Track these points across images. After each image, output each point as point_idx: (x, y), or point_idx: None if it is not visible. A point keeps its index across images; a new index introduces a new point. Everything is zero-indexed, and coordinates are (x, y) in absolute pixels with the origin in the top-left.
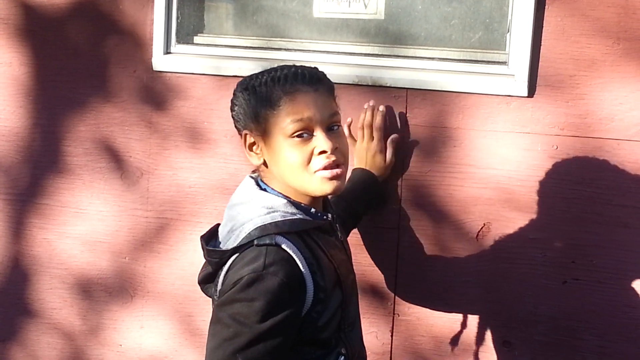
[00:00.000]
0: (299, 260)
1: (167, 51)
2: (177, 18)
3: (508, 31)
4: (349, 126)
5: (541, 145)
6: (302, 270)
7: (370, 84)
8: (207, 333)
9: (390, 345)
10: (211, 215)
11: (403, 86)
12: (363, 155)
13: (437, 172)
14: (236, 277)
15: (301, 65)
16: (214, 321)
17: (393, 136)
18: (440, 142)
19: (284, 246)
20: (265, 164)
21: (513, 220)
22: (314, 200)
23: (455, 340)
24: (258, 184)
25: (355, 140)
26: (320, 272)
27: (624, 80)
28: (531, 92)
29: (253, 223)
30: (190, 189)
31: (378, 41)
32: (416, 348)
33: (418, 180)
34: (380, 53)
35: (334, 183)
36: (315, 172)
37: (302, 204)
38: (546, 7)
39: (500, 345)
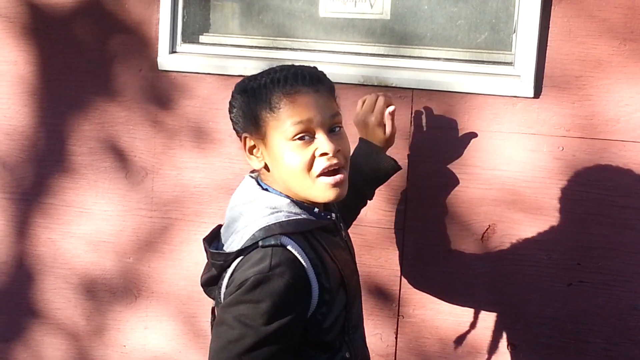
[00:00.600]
0: (304, 262)
1: (173, 50)
2: (183, 17)
3: (514, 32)
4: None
5: (547, 147)
6: (307, 271)
7: (376, 84)
8: (211, 334)
9: (394, 347)
10: (216, 215)
11: (409, 86)
12: (362, 128)
13: (443, 173)
14: (242, 278)
15: (300, 66)
16: (219, 323)
17: (390, 109)
18: (446, 142)
19: (289, 247)
20: (266, 167)
21: (518, 221)
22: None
23: (460, 342)
24: (259, 184)
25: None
26: (325, 273)
27: (630, 81)
28: (537, 93)
29: (257, 224)
30: (195, 188)
31: (384, 41)
32: (421, 350)
33: (423, 181)
34: (386, 53)
35: (337, 190)
36: (317, 176)
37: (306, 204)
38: (552, 7)
39: (505, 348)
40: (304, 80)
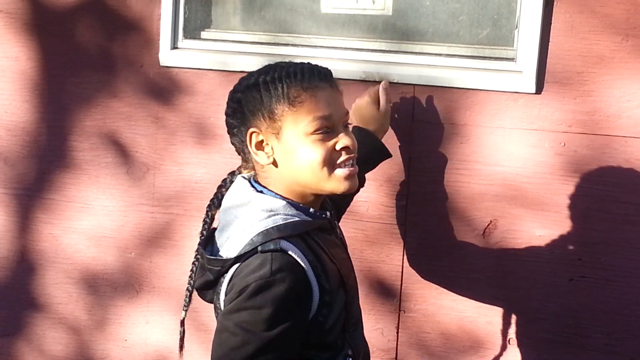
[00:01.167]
0: (304, 265)
1: (174, 46)
2: (184, 13)
3: (516, 27)
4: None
5: (549, 142)
6: (308, 274)
7: (377, 80)
8: (212, 328)
9: (396, 342)
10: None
11: (410, 82)
12: (357, 111)
13: (444, 169)
14: (242, 285)
15: (307, 62)
16: (220, 330)
17: (383, 83)
18: (447, 138)
19: (289, 252)
20: (274, 162)
21: (520, 217)
22: (314, 199)
23: (461, 337)
24: (253, 185)
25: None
26: (324, 275)
27: (632, 77)
28: (539, 88)
29: (254, 228)
30: (197, 184)
31: (386, 37)
32: (422, 345)
33: (425, 176)
34: (387, 49)
35: (352, 181)
36: (335, 169)
37: (301, 204)
38: (555, 3)
39: (506, 343)
40: (320, 76)
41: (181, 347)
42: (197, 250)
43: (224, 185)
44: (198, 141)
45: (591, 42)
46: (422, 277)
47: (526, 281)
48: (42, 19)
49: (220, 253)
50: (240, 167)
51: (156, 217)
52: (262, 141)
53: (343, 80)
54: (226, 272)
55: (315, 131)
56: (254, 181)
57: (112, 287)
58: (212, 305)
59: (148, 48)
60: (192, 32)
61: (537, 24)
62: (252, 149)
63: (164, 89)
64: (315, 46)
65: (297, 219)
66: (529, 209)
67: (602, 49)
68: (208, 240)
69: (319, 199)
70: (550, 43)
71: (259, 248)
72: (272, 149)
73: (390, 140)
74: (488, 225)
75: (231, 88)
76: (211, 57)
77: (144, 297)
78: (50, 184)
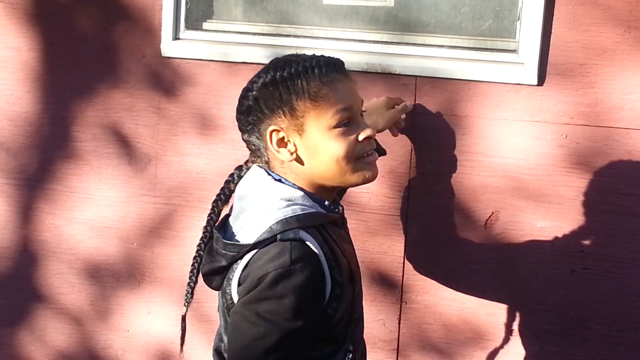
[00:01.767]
0: (320, 256)
1: (176, 37)
2: (186, 4)
3: (518, 19)
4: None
5: (550, 134)
6: (323, 265)
7: (379, 71)
8: (214, 319)
9: (397, 333)
10: None
11: (412, 74)
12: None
13: (446, 160)
14: (260, 273)
15: (320, 55)
16: (239, 320)
17: (408, 103)
18: (449, 130)
19: (307, 242)
20: (298, 159)
21: (521, 208)
22: (327, 192)
23: (463, 328)
24: (270, 175)
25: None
26: (337, 268)
27: (634, 69)
28: (541, 80)
29: (273, 216)
30: (199, 175)
31: (387, 28)
32: (424, 336)
33: (426, 168)
34: (389, 40)
35: (375, 170)
36: (359, 159)
37: (317, 197)
38: None
39: (508, 334)
40: (336, 68)
41: (182, 343)
42: (199, 244)
43: (232, 181)
44: (200, 132)
45: (593, 34)
46: (423, 268)
47: (528, 273)
48: (44, 9)
49: (237, 238)
50: (247, 161)
51: (158, 207)
52: (283, 138)
53: None
54: (241, 258)
55: (338, 124)
56: (270, 171)
57: (114, 277)
58: (215, 293)
59: (150, 39)
60: (193, 23)
61: (539, 16)
62: (273, 146)
63: (166, 80)
64: (317, 37)
65: (314, 210)
66: (530, 201)
67: (605, 40)
68: (221, 227)
69: (332, 192)
70: (552, 35)
71: (279, 236)
72: (294, 145)
73: (391, 134)
74: (490, 217)
75: (233, 79)
76: (213, 48)
77: (146, 288)
78: (52, 174)
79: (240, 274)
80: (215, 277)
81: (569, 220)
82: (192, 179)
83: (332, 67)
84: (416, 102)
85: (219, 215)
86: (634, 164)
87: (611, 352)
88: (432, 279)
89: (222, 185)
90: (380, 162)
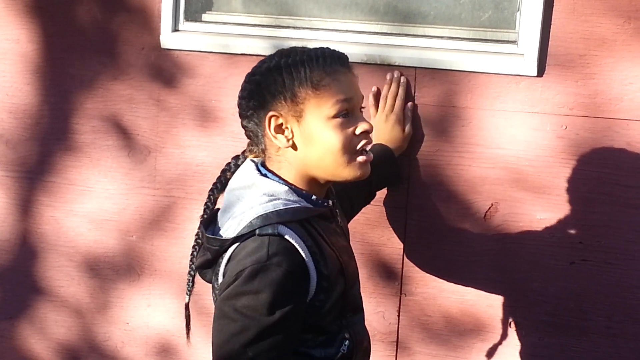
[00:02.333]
0: (302, 250)
1: (175, 29)
2: None
3: (518, 10)
4: (374, 95)
5: (550, 125)
6: (305, 259)
7: (379, 62)
8: (210, 310)
9: (397, 325)
10: None
11: (412, 65)
12: (382, 126)
13: (446, 152)
14: (238, 268)
15: (326, 47)
16: (219, 316)
17: (409, 104)
18: (449, 121)
19: (286, 236)
20: (293, 146)
21: (521, 200)
22: (321, 187)
23: (462, 320)
24: (258, 169)
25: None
26: (323, 261)
27: (634, 60)
28: (541, 71)
29: (254, 211)
30: (198, 167)
31: (387, 20)
32: (423, 328)
33: (426, 159)
34: (389, 32)
35: (366, 168)
36: (353, 156)
37: (304, 191)
38: None
39: (507, 326)
40: (340, 61)
41: (188, 331)
42: (197, 234)
43: (228, 169)
44: (199, 124)
45: (593, 25)
46: (423, 260)
47: (527, 264)
48: (44, 1)
49: (220, 232)
50: (245, 151)
51: (157, 200)
52: (281, 124)
53: None
54: (224, 251)
55: (337, 114)
56: (261, 165)
57: (114, 270)
58: (212, 285)
59: (149, 30)
60: (193, 15)
61: (538, 7)
62: (270, 132)
63: (165, 72)
64: (317, 29)
65: (297, 205)
66: (530, 192)
67: (604, 31)
68: (211, 220)
69: (326, 186)
70: (552, 26)
71: (257, 231)
72: (291, 132)
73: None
74: (489, 208)
75: (232, 71)
76: (212, 40)
77: (145, 280)
78: (51, 166)
79: (224, 268)
80: (207, 270)
81: (568, 211)
82: (192, 171)
83: (336, 59)
84: (415, 94)
85: (215, 204)
86: (634, 155)
87: (610, 344)
88: (431, 270)
89: None
90: None
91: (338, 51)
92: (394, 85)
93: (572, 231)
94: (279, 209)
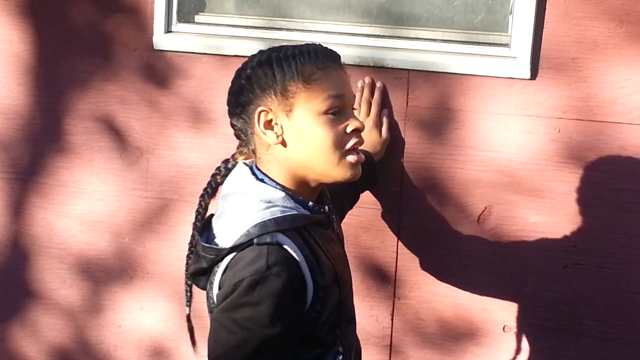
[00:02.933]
0: (300, 260)
1: (168, 30)
2: None
3: (510, 13)
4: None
5: (543, 128)
6: (303, 269)
7: (371, 64)
8: (206, 315)
9: (390, 329)
10: None
11: (405, 67)
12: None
13: (439, 154)
14: (236, 279)
15: (318, 44)
16: (217, 328)
17: (384, 111)
18: (442, 123)
19: (285, 246)
20: (283, 142)
21: (514, 203)
22: (313, 189)
23: (456, 323)
24: (254, 173)
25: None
26: (319, 271)
27: (627, 63)
28: (533, 74)
29: (252, 219)
30: (190, 169)
31: (380, 22)
32: (417, 331)
33: (419, 162)
34: (382, 34)
35: (357, 169)
36: (343, 154)
37: (300, 197)
38: None
39: (500, 330)
40: (331, 57)
41: (193, 343)
42: (190, 242)
43: (218, 174)
44: (192, 125)
45: (585, 28)
46: (417, 263)
47: (521, 268)
48: (36, 1)
49: (216, 241)
50: (234, 154)
51: (150, 201)
52: (270, 120)
53: None
54: (220, 261)
55: (327, 110)
56: (255, 168)
57: (106, 272)
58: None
59: (142, 32)
60: (186, 16)
61: (531, 10)
62: (260, 128)
63: (158, 73)
64: (310, 31)
65: (295, 212)
66: (523, 196)
67: (597, 35)
68: (205, 227)
69: (317, 189)
70: (544, 29)
71: (255, 240)
72: (281, 128)
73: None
74: (483, 211)
75: (225, 72)
76: (205, 41)
77: (137, 283)
78: (43, 168)
79: (220, 278)
80: (201, 277)
81: (561, 215)
82: (184, 173)
83: (328, 55)
84: (408, 96)
85: (207, 210)
86: (627, 159)
87: (604, 348)
88: (425, 274)
89: None
90: None
91: (330, 48)
92: (366, 91)
93: (566, 235)
94: (276, 216)
